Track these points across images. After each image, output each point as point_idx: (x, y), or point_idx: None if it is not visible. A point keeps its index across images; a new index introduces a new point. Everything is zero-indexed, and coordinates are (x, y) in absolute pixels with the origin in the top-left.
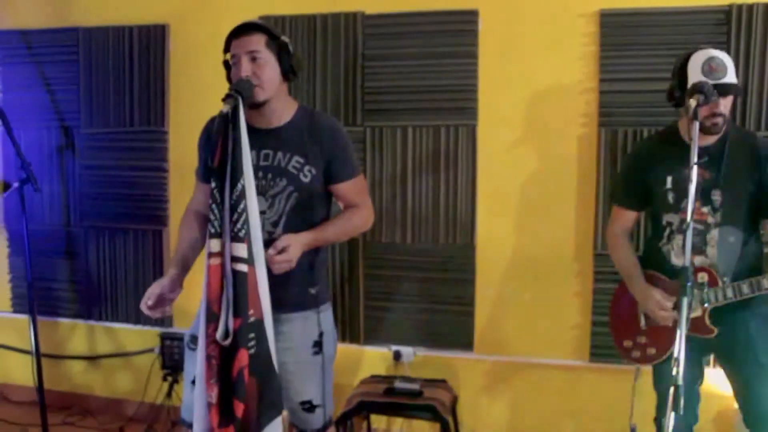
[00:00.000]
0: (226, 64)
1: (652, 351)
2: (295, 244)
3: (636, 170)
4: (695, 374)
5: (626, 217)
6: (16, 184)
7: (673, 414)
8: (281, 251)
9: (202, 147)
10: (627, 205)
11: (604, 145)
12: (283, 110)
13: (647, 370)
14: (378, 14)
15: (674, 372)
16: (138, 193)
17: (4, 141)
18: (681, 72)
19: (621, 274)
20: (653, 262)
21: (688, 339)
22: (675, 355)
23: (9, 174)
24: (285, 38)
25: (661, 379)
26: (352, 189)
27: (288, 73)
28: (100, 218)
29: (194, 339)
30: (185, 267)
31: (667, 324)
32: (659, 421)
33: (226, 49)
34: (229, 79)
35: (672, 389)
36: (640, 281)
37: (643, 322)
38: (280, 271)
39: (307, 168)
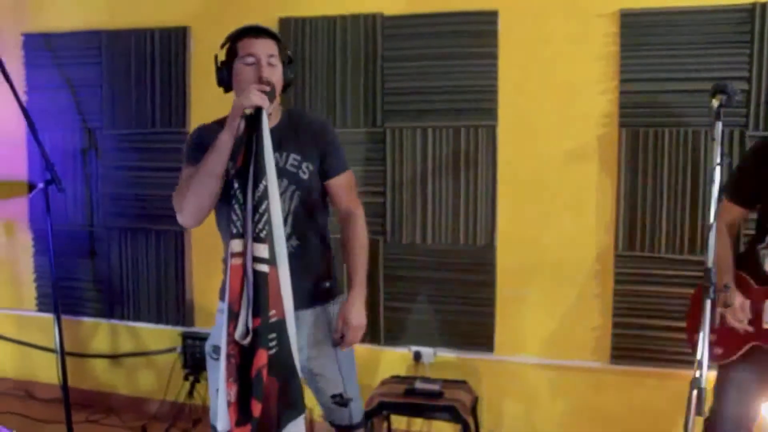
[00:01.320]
0: (216, 58)
1: (718, 350)
2: (349, 317)
3: (751, 167)
4: (763, 384)
5: (732, 211)
6: (41, 185)
7: (696, 417)
8: (344, 329)
9: (195, 155)
10: (736, 200)
11: (624, 145)
12: (274, 114)
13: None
14: (397, 15)
15: (697, 374)
16: (159, 193)
17: (29, 142)
18: None
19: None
20: (748, 264)
21: (759, 348)
22: (698, 357)
23: (34, 175)
24: (289, 52)
25: (722, 384)
26: (345, 184)
27: (288, 82)
28: (122, 218)
29: (216, 349)
30: None
31: (738, 331)
32: (715, 426)
33: (225, 44)
34: (220, 74)
35: (695, 392)
36: (728, 279)
37: (717, 319)
38: (356, 341)
39: (305, 165)
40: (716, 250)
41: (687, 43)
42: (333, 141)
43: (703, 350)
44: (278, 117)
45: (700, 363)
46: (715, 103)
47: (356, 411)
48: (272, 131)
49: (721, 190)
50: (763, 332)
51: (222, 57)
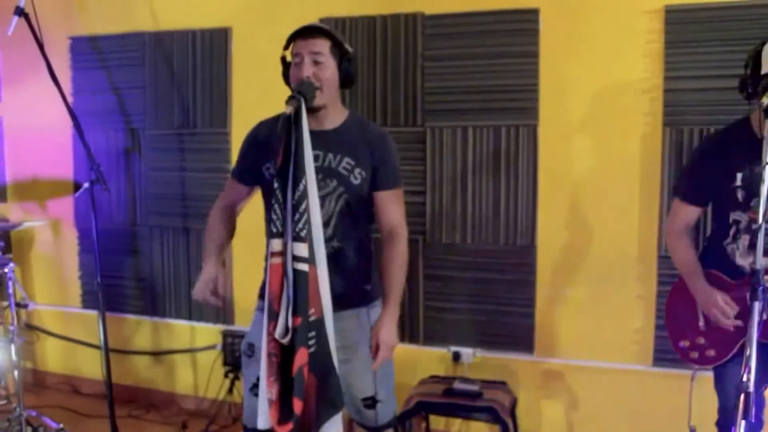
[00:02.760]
0: (283, 60)
1: (711, 353)
2: (383, 336)
3: (704, 165)
4: (761, 378)
5: (689, 213)
6: (86, 185)
7: (744, 422)
8: (377, 349)
9: (245, 149)
10: (691, 201)
11: (668, 144)
12: (335, 114)
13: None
14: (438, 14)
15: (745, 378)
16: (201, 192)
17: (75, 143)
18: (754, 62)
19: (680, 271)
20: (715, 261)
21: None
22: (745, 360)
23: (80, 175)
24: (349, 47)
25: (722, 382)
26: (393, 199)
27: (346, 81)
28: (164, 217)
29: (250, 347)
30: (221, 263)
31: (728, 328)
32: (724, 426)
33: (287, 46)
34: (285, 75)
35: (742, 396)
36: (701, 281)
37: (702, 322)
38: (387, 359)
39: (357, 170)
40: (681, 254)
41: (733, 39)
42: (389, 154)
43: (750, 352)
44: (341, 119)
45: (747, 366)
46: (764, 101)
47: (384, 412)
48: (332, 132)
49: (673, 192)
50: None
51: (290, 58)
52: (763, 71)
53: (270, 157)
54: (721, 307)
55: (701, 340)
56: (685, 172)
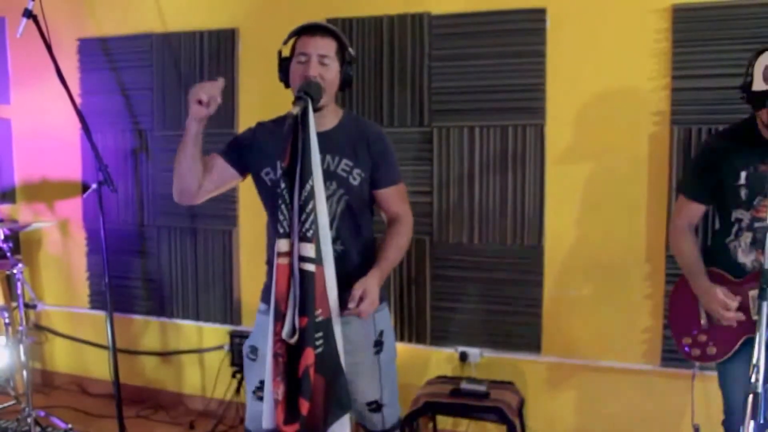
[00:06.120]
0: (280, 54)
1: (712, 350)
2: (370, 287)
3: (708, 163)
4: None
5: (693, 210)
6: (94, 186)
7: (752, 423)
8: (361, 299)
9: (242, 139)
10: (695, 198)
11: (676, 143)
12: (331, 115)
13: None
14: (444, 14)
15: (753, 379)
16: None
17: (83, 144)
18: (749, 69)
19: (683, 268)
20: (718, 259)
21: (752, 340)
22: (754, 361)
23: (88, 176)
24: (351, 50)
25: (725, 380)
26: (395, 195)
27: (345, 83)
28: (171, 218)
29: (253, 350)
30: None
31: (730, 324)
32: (731, 425)
33: (286, 42)
34: (282, 70)
35: (751, 396)
36: (703, 278)
37: (704, 319)
38: (368, 313)
39: (356, 171)
40: (684, 251)
41: (742, 37)
42: (387, 152)
43: (759, 352)
44: (337, 119)
45: (756, 367)
46: (763, 116)
47: (390, 416)
48: (328, 133)
49: (677, 189)
50: (754, 324)
51: (286, 52)
52: (755, 88)
53: (269, 162)
54: (721, 300)
55: (703, 338)
56: (689, 168)
